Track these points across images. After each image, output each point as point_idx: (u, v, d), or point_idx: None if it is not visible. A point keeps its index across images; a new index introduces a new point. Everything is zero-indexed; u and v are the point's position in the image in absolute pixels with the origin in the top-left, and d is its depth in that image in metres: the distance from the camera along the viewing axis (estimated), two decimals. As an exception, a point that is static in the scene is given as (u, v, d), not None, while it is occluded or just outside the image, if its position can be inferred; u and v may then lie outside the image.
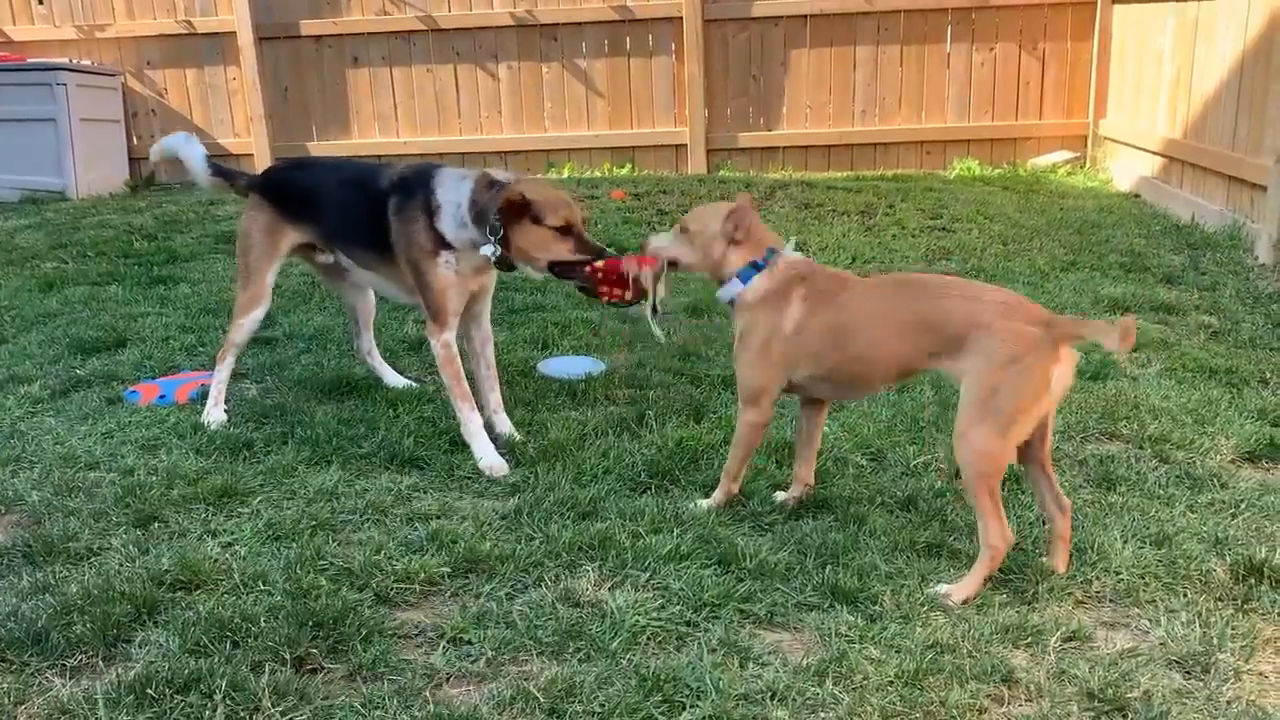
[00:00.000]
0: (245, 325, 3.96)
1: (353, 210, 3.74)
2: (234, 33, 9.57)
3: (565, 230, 3.40)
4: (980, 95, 9.22)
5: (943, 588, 2.74)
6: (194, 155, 4.13)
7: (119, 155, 9.79)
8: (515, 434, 3.73)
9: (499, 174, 3.57)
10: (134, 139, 9.96)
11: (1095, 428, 3.82)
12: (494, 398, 3.81)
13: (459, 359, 3.63)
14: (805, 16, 9.19)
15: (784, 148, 9.46)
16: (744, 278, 3.11)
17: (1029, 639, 2.53)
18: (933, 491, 3.29)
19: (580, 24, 9.42)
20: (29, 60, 9.40)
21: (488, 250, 3.42)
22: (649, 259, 3.21)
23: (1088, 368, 4.41)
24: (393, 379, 4.27)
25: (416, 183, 3.56)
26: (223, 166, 4.20)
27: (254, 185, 4.04)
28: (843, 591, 2.71)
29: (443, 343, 3.59)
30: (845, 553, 2.90)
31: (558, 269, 3.45)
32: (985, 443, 2.69)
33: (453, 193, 3.51)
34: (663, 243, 3.24)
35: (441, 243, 3.51)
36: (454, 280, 3.55)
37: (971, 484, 2.72)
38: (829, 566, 2.83)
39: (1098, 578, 2.81)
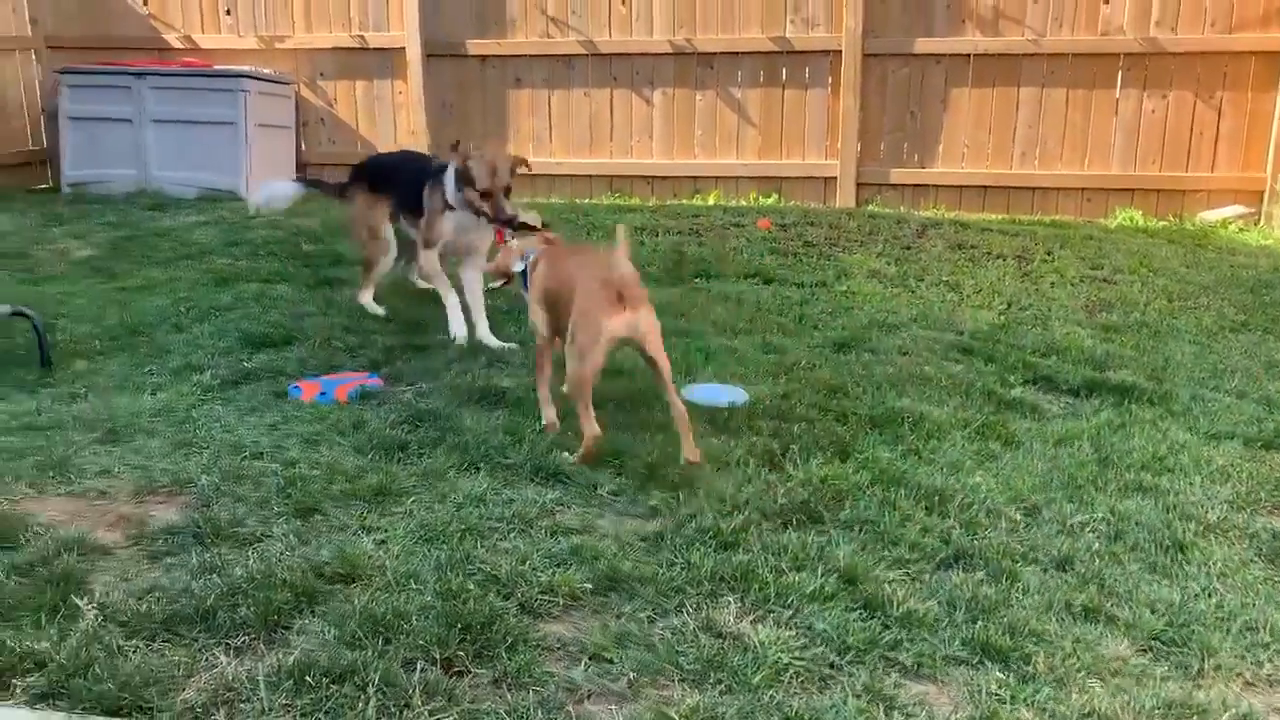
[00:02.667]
0: (380, 269, 5.59)
1: (410, 186, 5.33)
2: (403, 49, 9.96)
3: (486, 194, 4.87)
4: (1149, 143, 8.87)
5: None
6: (287, 187, 5.95)
7: (288, 160, 10.28)
8: (493, 341, 5.06)
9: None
10: (303, 145, 10.45)
11: (1267, 500, 3.61)
12: (480, 319, 5.16)
13: (439, 267, 5.22)
14: (968, 55, 9.02)
15: (937, 186, 9.29)
16: None
17: (1194, 718, 2.40)
18: (1091, 552, 3.16)
19: (737, 54, 9.47)
20: (216, 67, 9.99)
21: (454, 198, 5.02)
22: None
23: (1259, 436, 4.19)
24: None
25: (439, 169, 5.18)
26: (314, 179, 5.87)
27: (354, 175, 5.76)
28: (993, 648, 2.63)
29: (427, 256, 5.23)
30: (996, 608, 2.81)
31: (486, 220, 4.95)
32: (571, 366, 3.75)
33: (451, 173, 5.05)
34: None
35: (447, 205, 5.10)
36: (449, 226, 5.13)
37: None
38: (979, 621, 2.74)
39: (1270, 660, 2.66)
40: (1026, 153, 9.11)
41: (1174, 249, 7.68)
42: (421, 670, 2.42)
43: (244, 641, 2.56)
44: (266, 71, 10.05)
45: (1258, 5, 8.47)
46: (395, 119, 10.21)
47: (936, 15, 9.04)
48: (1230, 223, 8.58)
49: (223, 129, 9.57)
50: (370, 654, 2.46)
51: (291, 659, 2.45)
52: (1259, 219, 8.61)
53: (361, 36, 10.13)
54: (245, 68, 9.85)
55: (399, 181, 5.42)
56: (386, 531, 3.14)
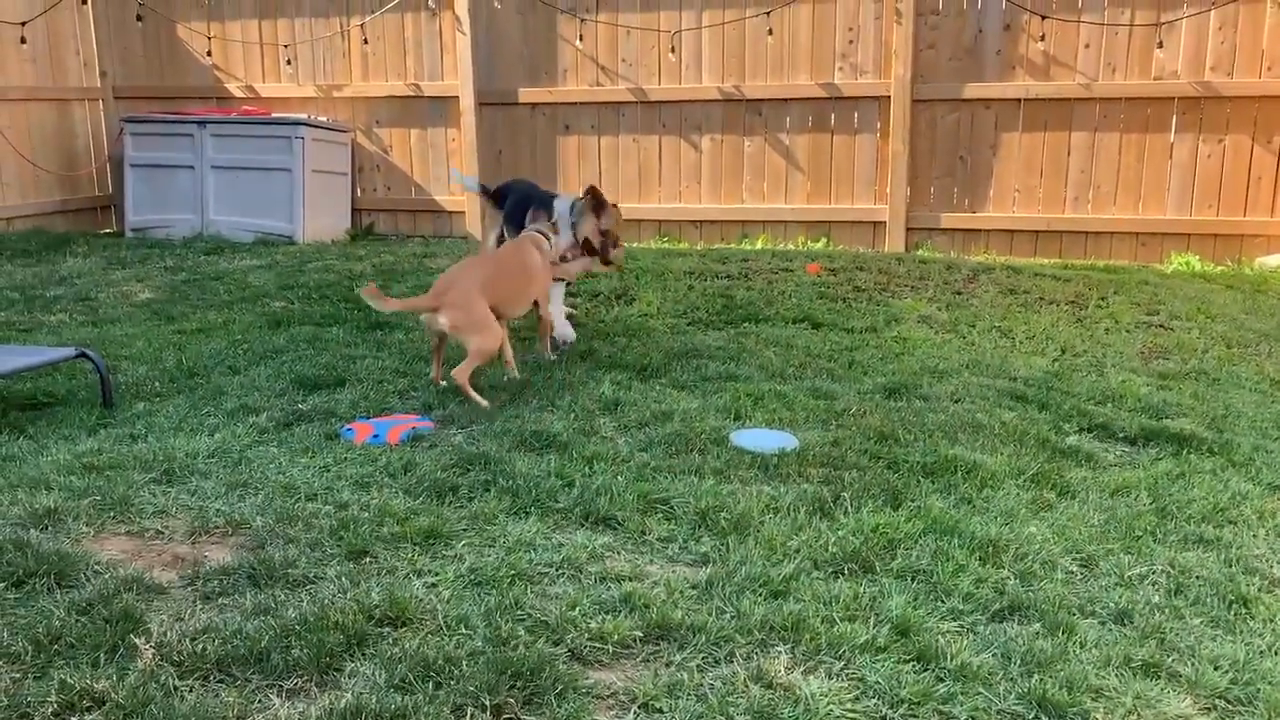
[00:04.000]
0: None
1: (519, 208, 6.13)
2: (457, 97, 10.15)
3: (604, 234, 5.84)
4: (1205, 188, 8.76)
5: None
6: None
7: (343, 205, 10.50)
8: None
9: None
10: (358, 191, 10.66)
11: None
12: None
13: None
14: (1019, 100, 9.00)
15: (988, 230, 9.23)
16: None
17: (1263, 781, 2.33)
18: (1150, 605, 3.09)
19: (786, 100, 9.53)
20: (274, 115, 10.25)
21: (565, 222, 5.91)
22: None
23: None
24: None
25: (547, 198, 6.10)
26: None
27: (484, 191, 6.74)
28: (1051, 703, 2.57)
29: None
30: (1052, 662, 2.75)
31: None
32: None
33: (562, 204, 5.98)
34: None
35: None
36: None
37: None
38: (1035, 675, 2.68)
39: (1343, 722, 2.56)
40: (1079, 197, 9.03)
41: (1232, 294, 7.55)
42: (471, 717, 2.42)
43: (296, 684, 2.58)
44: (323, 119, 10.30)
45: (1315, 49, 8.37)
46: (448, 165, 10.39)
47: (986, 61, 9.04)
48: (1290, 268, 8.42)
49: (279, 175, 9.82)
50: (421, 699, 2.47)
51: (343, 702, 2.46)
52: (1320, 264, 8.44)
53: (417, 85, 10.34)
54: (302, 115, 10.10)
55: (514, 201, 6.25)
56: (436, 575, 3.16)
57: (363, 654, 2.70)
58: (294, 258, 8.77)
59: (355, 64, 10.51)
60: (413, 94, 10.37)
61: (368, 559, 3.25)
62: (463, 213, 10.30)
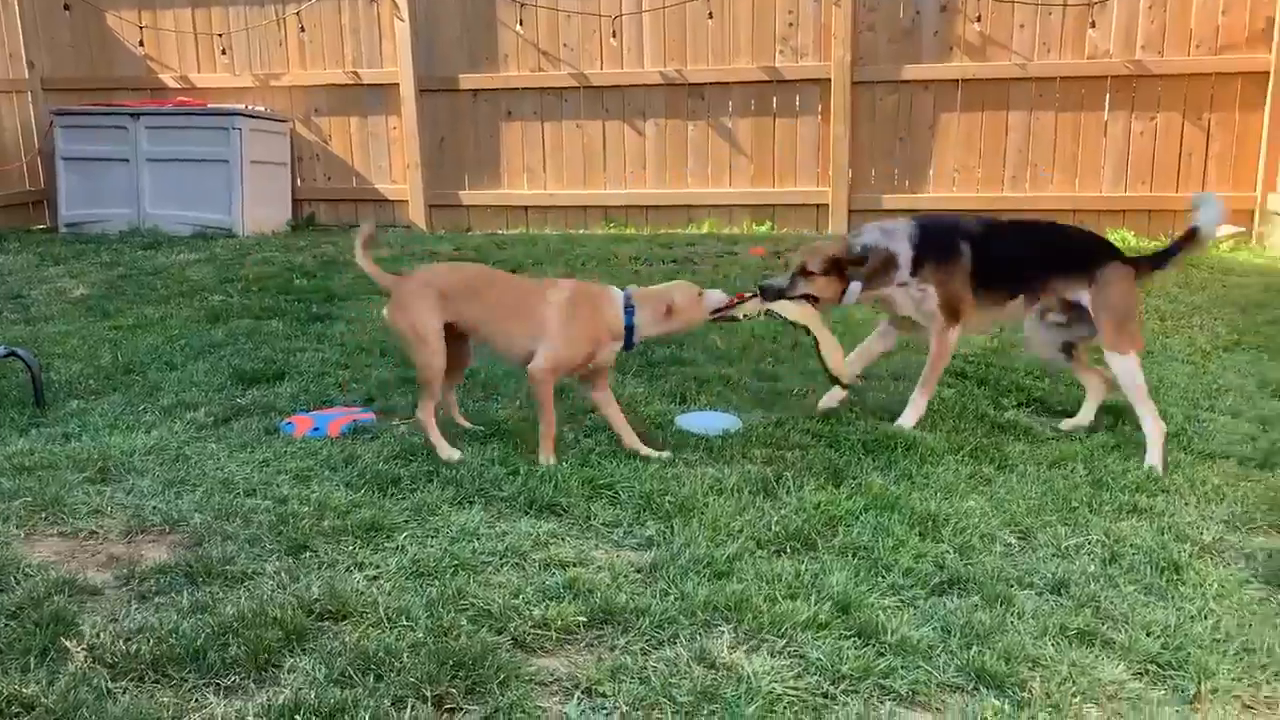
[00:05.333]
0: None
1: None
2: (397, 84, 10.03)
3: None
4: (1139, 165, 8.92)
5: None
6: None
7: (284, 196, 10.34)
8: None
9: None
10: (298, 181, 10.50)
11: (1263, 520, 3.60)
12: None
13: None
14: (957, 81, 9.09)
15: (930, 211, 9.32)
16: None
17: (1192, 742, 2.39)
18: (1086, 575, 3.15)
19: (728, 84, 9.54)
20: (210, 105, 10.05)
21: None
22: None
23: (1254, 455, 4.18)
24: None
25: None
26: None
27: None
28: (989, 674, 2.61)
29: None
30: (991, 634, 2.79)
31: None
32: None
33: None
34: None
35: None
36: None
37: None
38: (974, 647, 2.72)
39: (1268, 682, 2.64)
40: (1017, 176, 9.15)
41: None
42: (412, 708, 2.40)
43: (234, 681, 2.55)
44: (261, 109, 10.12)
45: (1242, 27, 8.54)
46: (390, 154, 10.27)
47: (924, 43, 9.11)
48: (1222, 242, 8.60)
49: (217, 166, 9.64)
50: (361, 692, 2.45)
51: (282, 698, 2.43)
52: (1250, 238, 8.64)
53: (355, 73, 10.20)
54: (238, 106, 9.92)
55: None
56: (378, 567, 3.13)
57: (302, 649, 2.67)
58: (233, 250, 8.63)
59: (292, 52, 10.34)
60: (352, 82, 10.23)
61: (308, 553, 3.22)
62: (405, 202, 10.19)
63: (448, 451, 4.00)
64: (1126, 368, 4.20)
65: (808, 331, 4.34)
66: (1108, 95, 8.89)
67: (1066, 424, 4.54)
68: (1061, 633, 2.83)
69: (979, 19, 8.93)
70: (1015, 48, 8.95)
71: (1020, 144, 9.09)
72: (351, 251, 4.32)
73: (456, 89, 10.00)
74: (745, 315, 4.31)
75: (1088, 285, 4.29)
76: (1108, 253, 4.43)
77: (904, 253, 4.33)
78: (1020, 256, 4.42)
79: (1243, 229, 8.67)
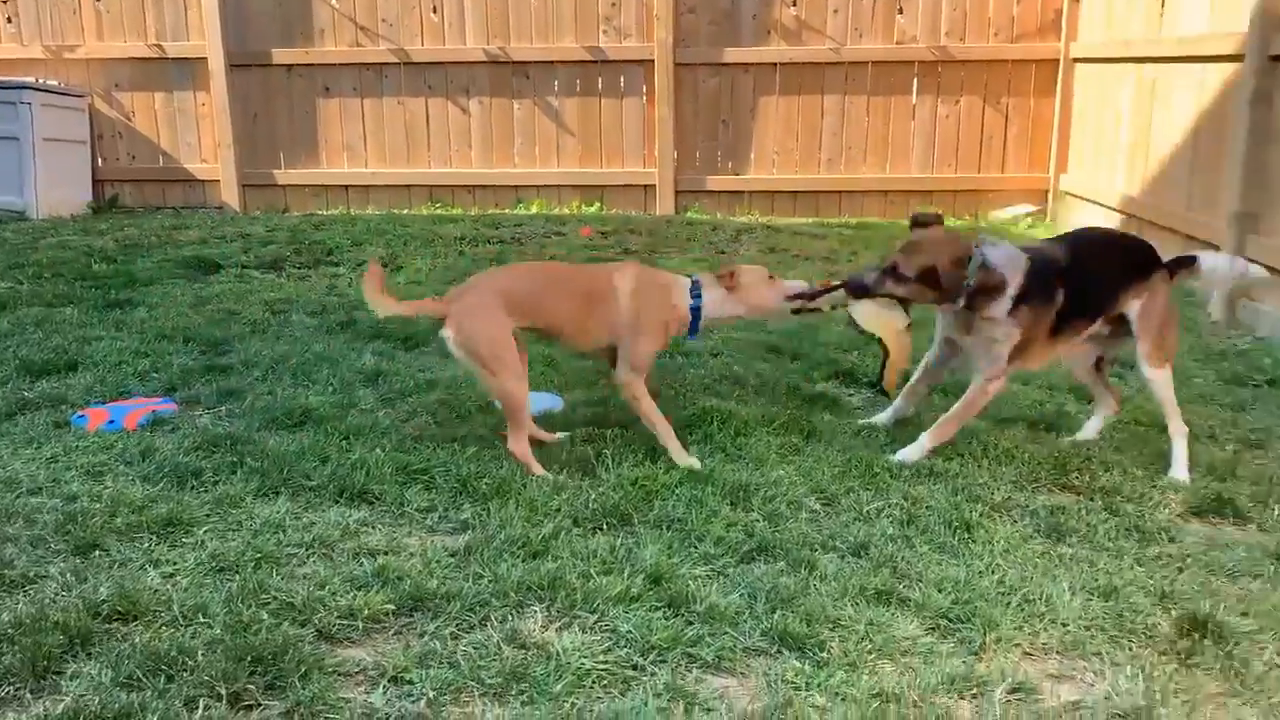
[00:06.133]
0: None
1: None
2: (205, 59, 9.54)
3: None
4: (944, 147, 9.37)
5: None
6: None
7: (83, 176, 9.70)
8: None
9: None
10: (99, 160, 9.87)
11: (1047, 479, 3.84)
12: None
13: None
14: (775, 64, 9.32)
15: (751, 192, 9.55)
16: None
17: (975, 690, 2.53)
18: (885, 537, 3.29)
19: (552, 63, 9.49)
20: (-5, 78, 9.33)
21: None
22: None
23: (1042, 418, 4.46)
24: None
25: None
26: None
27: None
28: (791, 637, 2.70)
29: None
30: (794, 598, 2.89)
31: None
32: None
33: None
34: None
35: None
36: None
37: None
38: (778, 611, 2.81)
39: (1045, 629, 2.82)
40: (833, 158, 9.47)
41: (969, 246, 8.10)
42: (205, 708, 2.30)
43: (8, 692, 2.38)
44: (54, 83, 9.46)
45: (1035, 16, 9.07)
46: (200, 131, 9.78)
47: (744, 26, 9.30)
48: (1020, 220, 9.15)
49: (6, 144, 8.98)
50: (150, 695, 2.33)
51: (61, 707, 2.30)
52: (1045, 216, 9.22)
53: (159, 46, 9.65)
54: (28, 79, 9.23)
55: None
56: (175, 564, 2.98)
57: (87, 654, 2.52)
58: (25, 234, 8.05)
59: (88, 23, 9.70)
60: (155, 55, 9.68)
61: (98, 552, 3.04)
62: (216, 182, 9.73)
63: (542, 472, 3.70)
64: (1163, 379, 4.00)
65: (880, 342, 4.05)
66: (915, 80, 9.30)
67: (1077, 437, 4.28)
68: (861, 593, 2.95)
69: (794, 3, 9.17)
70: (829, 33, 9.24)
71: (835, 127, 9.40)
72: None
73: (270, 64, 9.60)
74: (833, 306, 3.99)
75: (1141, 296, 3.97)
76: (1157, 260, 4.09)
77: (1015, 286, 3.77)
78: (1100, 279, 3.97)
79: (1038, 207, 9.24)
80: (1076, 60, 8.90)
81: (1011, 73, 9.18)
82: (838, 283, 3.98)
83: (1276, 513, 3.57)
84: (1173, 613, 2.89)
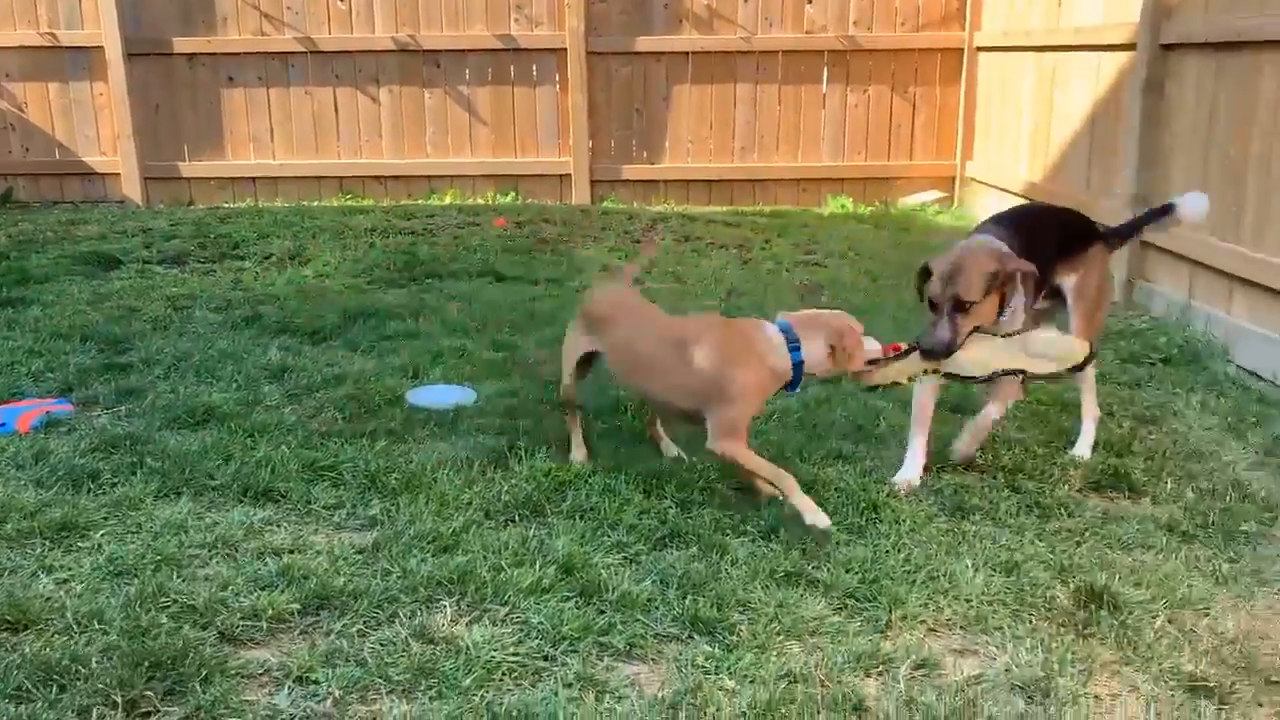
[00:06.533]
0: None
1: None
2: (101, 47, 9.21)
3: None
4: (854, 135, 9.50)
5: None
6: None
7: (-28, 170, 9.31)
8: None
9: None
10: (-11, 153, 9.48)
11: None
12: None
13: None
14: (687, 54, 9.34)
15: (666, 181, 9.57)
16: None
17: (880, 667, 2.58)
18: (795, 519, 3.33)
19: (463, 51, 9.38)
20: (-127, 68, 8.89)
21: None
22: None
23: (947, 399, 4.54)
24: None
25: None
26: None
27: None
28: (701, 622, 2.72)
29: None
30: (706, 583, 2.91)
31: None
32: None
33: None
34: None
35: None
36: None
37: None
38: (689, 597, 2.83)
39: (949, 605, 2.88)
40: (746, 147, 9.53)
41: (879, 233, 8.26)
42: (99, 717, 2.23)
43: (-114, 710, 2.28)
44: (-63, 72, 9.05)
45: (940, 6, 9.24)
46: (98, 123, 9.44)
47: (655, 14, 9.30)
48: (928, 207, 9.33)
49: (-114, 137, 8.56)
50: (40, 706, 2.26)
51: (-57, 723, 2.21)
52: (952, 203, 9.41)
53: (52, 34, 9.29)
54: (-90, 68, 8.83)
55: None
56: (69, 570, 2.89)
57: (-28, 667, 2.42)
58: (-91, 231, 7.69)
59: (-27, 9, 9.28)
60: (48, 44, 9.31)
61: (-14, 561, 2.92)
62: (117, 175, 9.41)
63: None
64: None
65: (1023, 377, 3.66)
66: (825, 69, 9.40)
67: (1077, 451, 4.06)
68: (771, 575, 2.99)
69: (706, -8, 9.21)
70: (740, 22, 9.29)
71: (748, 115, 9.47)
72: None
73: (170, 53, 9.31)
74: (910, 378, 3.58)
75: (1078, 270, 3.87)
76: (1096, 232, 3.99)
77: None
78: (1044, 255, 3.74)
79: (946, 194, 9.44)
80: (980, 49, 9.09)
81: (918, 62, 9.34)
82: (909, 345, 3.56)
83: (1169, 486, 3.70)
84: (1071, 585, 2.97)
